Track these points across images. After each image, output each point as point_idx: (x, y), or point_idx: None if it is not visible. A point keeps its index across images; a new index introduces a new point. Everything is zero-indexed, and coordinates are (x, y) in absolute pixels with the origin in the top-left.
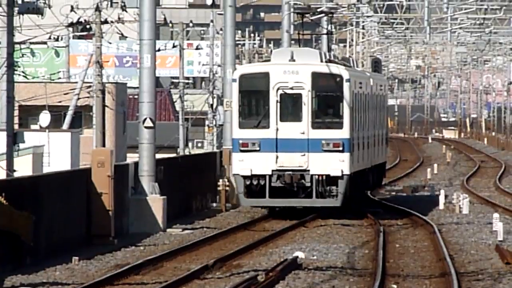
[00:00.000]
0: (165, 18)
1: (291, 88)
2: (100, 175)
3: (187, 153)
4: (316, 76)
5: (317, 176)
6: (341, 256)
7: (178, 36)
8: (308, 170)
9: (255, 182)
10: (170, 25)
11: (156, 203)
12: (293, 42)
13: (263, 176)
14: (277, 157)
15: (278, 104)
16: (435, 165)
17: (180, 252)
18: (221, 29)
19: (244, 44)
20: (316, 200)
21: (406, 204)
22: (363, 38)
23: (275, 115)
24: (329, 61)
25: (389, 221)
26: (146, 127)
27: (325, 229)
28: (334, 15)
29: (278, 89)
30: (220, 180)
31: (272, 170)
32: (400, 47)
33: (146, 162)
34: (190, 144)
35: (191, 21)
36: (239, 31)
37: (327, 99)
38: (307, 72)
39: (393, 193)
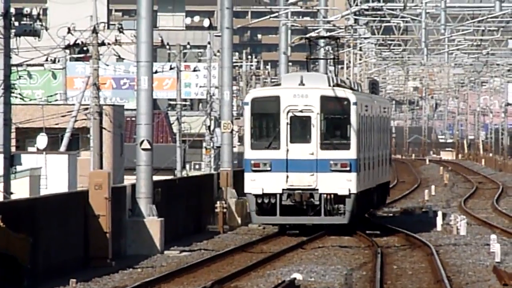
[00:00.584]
0: (162, 40)
1: (301, 111)
2: (97, 197)
3: (185, 175)
4: (324, 99)
5: (325, 195)
6: (338, 277)
7: (175, 58)
8: (317, 189)
9: (266, 201)
10: (167, 47)
11: (154, 225)
12: (290, 64)
13: (274, 195)
14: (287, 176)
15: (288, 126)
16: (433, 187)
17: (178, 274)
18: (218, 51)
19: (241, 66)
20: (324, 218)
21: (404, 226)
22: (360, 59)
23: (285, 137)
24: (337, 85)
25: (387, 242)
26: (143, 149)
27: (323, 251)
28: (333, 37)
29: (288, 111)
30: (218, 202)
31: (283, 189)
32: (398, 69)
33: (143, 184)
34: (187, 166)
35: (188, 43)
36: (237, 53)
37: (335, 121)
38: (316, 95)
39: (391, 214)
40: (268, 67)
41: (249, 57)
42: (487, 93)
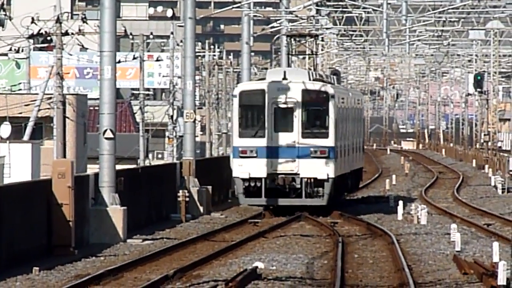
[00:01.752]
0: (125, 30)
1: (284, 103)
2: (60, 186)
3: (147, 164)
4: (305, 92)
5: (306, 179)
6: (300, 266)
7: (138, 48)
8: (298, 174)
9: (252, 184)
10: (131, 36)
11: (117, 214)
12: (252, 54)
13: (260, 179)
14: (271, 162)
15: (273, 116)
16: (394, 176)
17: (141, 263)
18: (181, 41)
19: (204, 56)
20: (305, 200)
21: (365, 215)
22: (322, 50)
23: (270, 126)
24: (316, 79)
25: (348, 231)
26: (106, 138)
27: (285, 240)
28: (292, 27)
29: (273, 103)
30: (180, 191)
31: (267, 174)
32: (359, 59)
33: (106, 173)
34: (150, 155)
35: (151, 33)
36: (199, 43)
37: (315, 113)
38: (298, 89)
39: (352, 203)
40: (231, 57)
41: (212, 47)
42: (447, 84)
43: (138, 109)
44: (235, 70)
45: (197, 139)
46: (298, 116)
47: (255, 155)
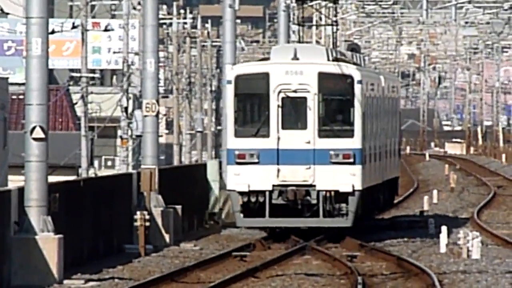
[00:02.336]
0: None
1: (295, 91)
2: None
3: (93, 175)
4: (323, 77)
5: (324, 192)
6: None
7: (79, 13)
8: (314, 186)
9: (253, 199)
10: None
11: (49, 244)
12: (238, 21)
13: (263, 192)
14: (278, 170)
15: (280, 109)
16: (435, 192)
17: None
18: (139, 3)
19: (171, 24)
20: (323, 220)
21: (395, 246)
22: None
23: (276, 122)
24: (337, 59)
25: (371, 268)
26: (35, 139)
27: (283, 281)
28: None
29: (279, 92)
30: (138, 213)
31: (273, 185)
32: (387, 29)
33: (35, 188)
34: (96, 163)
35: None
36: (164, 6)
37: (335, 104)
38: (313, 72)
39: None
40: (208, 25)
41: (182, 12)
42: (509, 63)
43: (80, 98)
44: (214, 43)
45: (162, 140)
46: (313, 109)
47: (256, 160)
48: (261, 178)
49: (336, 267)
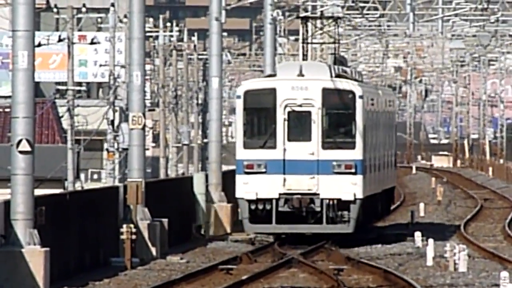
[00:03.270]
0: (48, 1)
1: (300, 105)
2: None
3: (79, 188)
4: (326, 92)
5: (327, 200)
6: None
7: (65, 26)
8: (318, 194)
9: (260, 207)
10: (55, 10)
11: (35, 257)
12: (225, 34)
13: (270, 200)
14: (284, 179)
15: (286, 122)
16: (422, 205)
17: None
18: (125, 16)
19: (157, 37)
20: (326, 226)
21: (382, 259)
22: (322, 28)
23: (282, 134)
24: (339, 75)
25: (357, 282)
26: (21, 152)
27: None
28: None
29: (285, 106)
30: (124, 226)
31: (279, 194)
32: (373, 42)
33: (21, 201)
34: (82, 176)
35: (84, 5)
36: (151, 19)
37: (338, 117)
38: (317, 88)
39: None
40: (195, 38)
41: (169, 24)
42: (496, 76)
43: (66, 111)
44: (200, 56)
45: (148, 153)
46: (317, 122)
47: (263, 170)
48: (268, 186)
49: (323, 280)
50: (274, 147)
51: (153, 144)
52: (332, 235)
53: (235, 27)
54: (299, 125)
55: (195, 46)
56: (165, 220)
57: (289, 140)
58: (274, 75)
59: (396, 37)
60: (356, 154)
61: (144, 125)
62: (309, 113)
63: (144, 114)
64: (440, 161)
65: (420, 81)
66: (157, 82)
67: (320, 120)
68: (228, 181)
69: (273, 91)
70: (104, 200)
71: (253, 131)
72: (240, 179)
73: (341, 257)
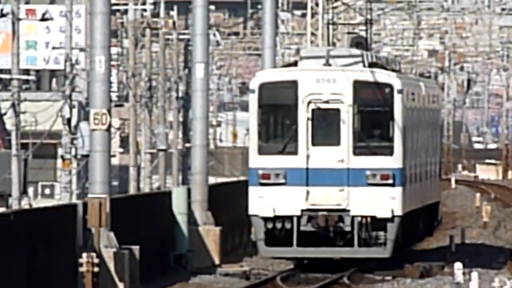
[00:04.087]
0: None
1: (327, 102)
2: None
3: (26, 207)
4: (359, 85)
5: (359, 218)
6: None
7: None
8: (348, 210)
9: (279, 226)
10: None
11: None
12: (212, 7)
13: (290, 218)
14: (307, 192)
15: (309, 122)
16: (463, 228)
17: None
18: None
19: (126, 12)
20: (358, 250)
21: None
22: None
23: (305, 138)
24: (373, 63)
25: None
26: None
27: None
28: None
29: (309, 102)
30: (84, 255)
31: (302, 210)
32: (401, 17)
33: None
34: (31, 190)
35: None
36: None
37: (373, 116)
38: (348, 80)
39: (389, 277)
40: (174, 13)
41: None
42: None
43: (10, 107)
44: (181, 36)
45: (115, 161)
46: (347, 122)
47: (283, 181)
48: (288, 201)
49: None
50: (295, 152)
51: (121, 150)
52: (364, 260)
53: None
54: (325, 126)
55: (174, 23)
56: (136, 248)
57: (313, 144)
58: (295, 64)
59: (430, 11)
60: (394, 161)
61: (110, 125)
62: (337, 111)
63: (109, 111)
64: (487, 172)
65: (462, 68)
66: (126, 70)
67: (351, 120)
68: (216, 198)
69: (294, 84)
70: (59, 221)
71: (270, 133)
72: (253, 192)
73: None
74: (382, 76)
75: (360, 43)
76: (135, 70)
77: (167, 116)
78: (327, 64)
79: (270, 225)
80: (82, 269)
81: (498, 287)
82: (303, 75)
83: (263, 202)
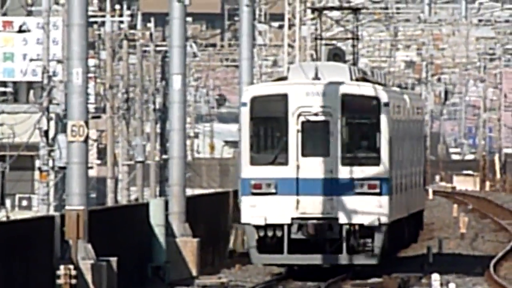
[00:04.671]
0: None
1: (316, 114)
2: None
3: (3, 219)
4: (347, 99)
5: (348, 226)
6: None
7: None
8: (337, 219)
9: (270, 234)
10: None
11: None
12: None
13: (281, 226)
14: (298, 201)
15: (299, 134)
16: (441, 239)
17: None
18: None
19: (103, 23)
20: (347, 257)
21: None
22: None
23: (295, 149)
24: (360, 78)
25: None
26: None
27: None
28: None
29: (299, 115)
30: (62, 267)
31: (292, 218)
32: (378, 29)
33: None
34: (8, 202)
35: None
36: (95, 1)
37: (360, 128)
38: (336, 93)
39: None
40: (151, 24)
41: (118, 7)
42: None
43: None
44: (158, 48)
45: (92, 172)
46: (336, 134)
47: (273, 190)
48: (279, 210)
49: None
50: (285, 163)
51: (99, 162)
52: (352, 267)
53: (203, 11)
54: (314, 138)
55: (151, 34)
56: (113, 260)
57: (303, 155)
58: (285, 78)
59: (407, 23)
60: (381, 170)
61: (87, 137)
62: (326, 123)
63: (86, 123)
64: (464, 183)
65: (439, 79)
66: (104, 82)
67: (339, 132)
68: (194, 210)
69: (284, 97)
70: (36, 233)
71: (261, 144)
72: (246, 201)
73: None
74: (369, 89)
75: (337, 54)
76: (113, 81)
77: (144, 128)
78: (316, 78)
79: (261, 233)
80: (60, 281)
81: None
82: (293, 88)
83: (255, 211)
